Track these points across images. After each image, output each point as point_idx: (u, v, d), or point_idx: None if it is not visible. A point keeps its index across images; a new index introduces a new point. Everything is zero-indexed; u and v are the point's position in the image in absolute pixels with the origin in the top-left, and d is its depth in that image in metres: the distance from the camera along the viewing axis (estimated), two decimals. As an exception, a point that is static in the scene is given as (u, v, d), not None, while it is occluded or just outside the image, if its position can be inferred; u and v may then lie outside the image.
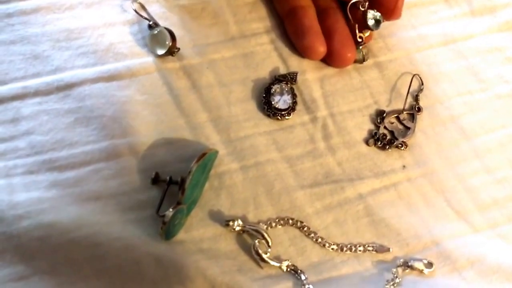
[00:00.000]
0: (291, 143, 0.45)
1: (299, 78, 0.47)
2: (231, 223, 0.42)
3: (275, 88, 0.46)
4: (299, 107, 0.46)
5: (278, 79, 0.47)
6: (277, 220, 0.43)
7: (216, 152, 0.43)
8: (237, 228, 0.42)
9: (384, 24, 0.50)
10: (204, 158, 0.41)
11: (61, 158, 0.42)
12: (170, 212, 0.39)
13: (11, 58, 0.44)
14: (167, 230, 0.40)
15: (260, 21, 0.49)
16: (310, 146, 0.46)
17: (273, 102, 0.45)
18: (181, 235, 0.42)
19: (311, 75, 0.48)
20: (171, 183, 0.42)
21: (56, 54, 0.44)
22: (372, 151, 0.46)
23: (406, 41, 0.50)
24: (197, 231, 0.42)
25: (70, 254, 0.39)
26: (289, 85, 0.46)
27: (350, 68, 0.48)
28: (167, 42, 0.45)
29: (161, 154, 0.43)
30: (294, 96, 0.46)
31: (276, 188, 0.44)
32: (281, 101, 0.45)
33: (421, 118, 0.48)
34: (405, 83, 0.48)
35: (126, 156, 0.43)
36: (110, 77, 0.44)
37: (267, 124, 0.46)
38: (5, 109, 0.43)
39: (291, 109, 0.46)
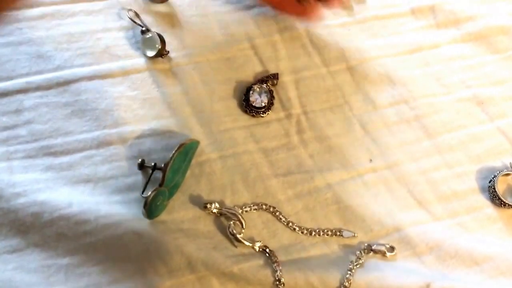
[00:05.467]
0: (267, 137, 0.50)
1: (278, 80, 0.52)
2: (208, 205, 0.46)
3: (255, 88, 0.51)
4: (275, 105, 0.51)
5: (261, 79, 0.51)
6: (251, 205, 0.47)
7: (197, 142, 0.48)
8: (214, 211, 0.46)
9: (356, 32, 0.55)
10: (186, 146, 0.46)
11: (57, 145, 0.47)
12: (152, 192, 0.43)
13: (18, 57, 0.49)
14: (150, 210, 0.44)
15: (242, 29, 0.54)
16: (284, 140, 0.50)
17: (251, 100, 0.50)
18: (163, 216, 0.45)
19: (287, 77, 0.52)
20: (156, 169, 0.46)
21: (57, 55, 0.50)
22: (342, 146, 0.50)
23: (376, 49, 0.55)
24: (178, 213, 0.46)
25: (60, 229, 0.43)
26: (268, 86, 0.51)
27: (325, 72, 0.53)
28: (157, 45, 0.50)
29: (148, 143, 0.48)
30: (272, 97, 0.51)
31: (251, 176, 0.48)
32: (258, 100, 0.50)
33: (388, 115, 0.52)
34: (374, 85, 0.53)
35: (116, 145, 0.47)
36: (105, 75, 0.49)
37: (245, 119, 0.50)
38: (10, 101, 0.48)
39: (267, 108, 0.50)
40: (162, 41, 0.50)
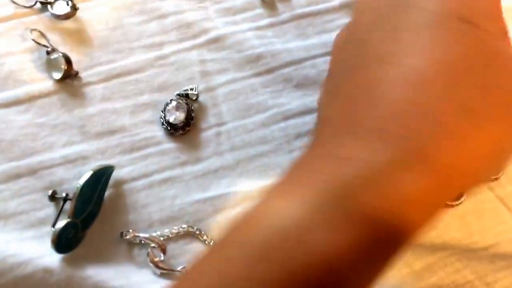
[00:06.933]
0: (191, 156, 0.47)
1: (202, 93, 0.49)
2: (124, 233, 0.43)
3: (172, 104, 0.47)
4: (198, 121, 0.48)
5: (179, 94, 0.48)
6: (176, 229, 0.45)
7: (112, 167, 0.45)
8: (133, 239, 0.43)
9: (282, 33, 0.52)
10: (96, 173, 0.43)
11: (-37, 183, 0.44)
12: (59, 226, 0.41)
13: None
14: (59, 244, 0.42)
15: (160, 40, 0.50)
16: (212, 159, 0.47)
17: (168, 118, 0.47)
18: (79, 249, 0.43)
19: (208, 89, 0.49)
20: (67, 200, 0.44)
21: (-42, 85, 0.47)
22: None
23: (303, 50, 0.52)
24: (94, 244, 0.44)
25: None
26: (186, 101, 0.48)
27: (247, 80, 0.50)
28: (62, 66, 0.47)
29: (59, 173, 0.45)
30: (190, 112, 0.47)
31: (176, 199, 0.45)
32: (174, 117, 0.47)
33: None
34: (305, 89, 0.50)
35: (25, 177, 0.45)
36: (9, 103, 0.46)
37: (166, 139, 0.47)
38: None
39: (185, 125, 0.47)
40: (68, 62, 0.47)
